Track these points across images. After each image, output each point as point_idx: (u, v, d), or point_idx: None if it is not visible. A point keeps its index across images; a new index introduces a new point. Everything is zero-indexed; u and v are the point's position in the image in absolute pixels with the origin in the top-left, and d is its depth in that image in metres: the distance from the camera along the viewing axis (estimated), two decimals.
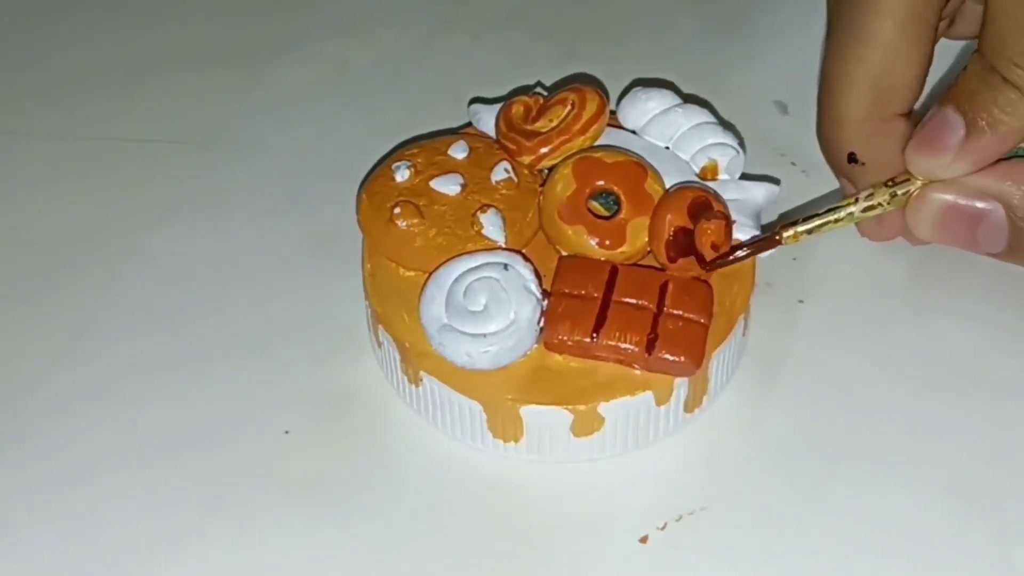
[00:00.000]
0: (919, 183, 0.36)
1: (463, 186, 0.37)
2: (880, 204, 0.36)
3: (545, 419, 0.35)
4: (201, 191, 0.44)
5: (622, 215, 0.36)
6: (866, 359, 0.38)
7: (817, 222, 0.36)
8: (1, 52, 0.50)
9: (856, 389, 0.37)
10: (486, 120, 0.40)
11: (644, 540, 0.34)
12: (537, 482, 0.35)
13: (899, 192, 0.36)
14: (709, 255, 0.36)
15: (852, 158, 0.37)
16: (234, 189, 0.44)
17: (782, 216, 0.41)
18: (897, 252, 0.41)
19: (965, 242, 0.36)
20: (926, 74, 0.37)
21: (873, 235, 0.39)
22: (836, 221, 0.36)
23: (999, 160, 0.35)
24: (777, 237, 0.36)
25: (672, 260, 0.36)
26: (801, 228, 0.36)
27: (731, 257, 0.36)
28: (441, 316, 0.35)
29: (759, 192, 0.38)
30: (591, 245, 0.36)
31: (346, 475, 0.36)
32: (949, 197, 0.36)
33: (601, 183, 0.37)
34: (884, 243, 0.40)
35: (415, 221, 0.37)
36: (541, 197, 0.37)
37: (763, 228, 0.38)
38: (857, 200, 0.36)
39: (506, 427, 0.35)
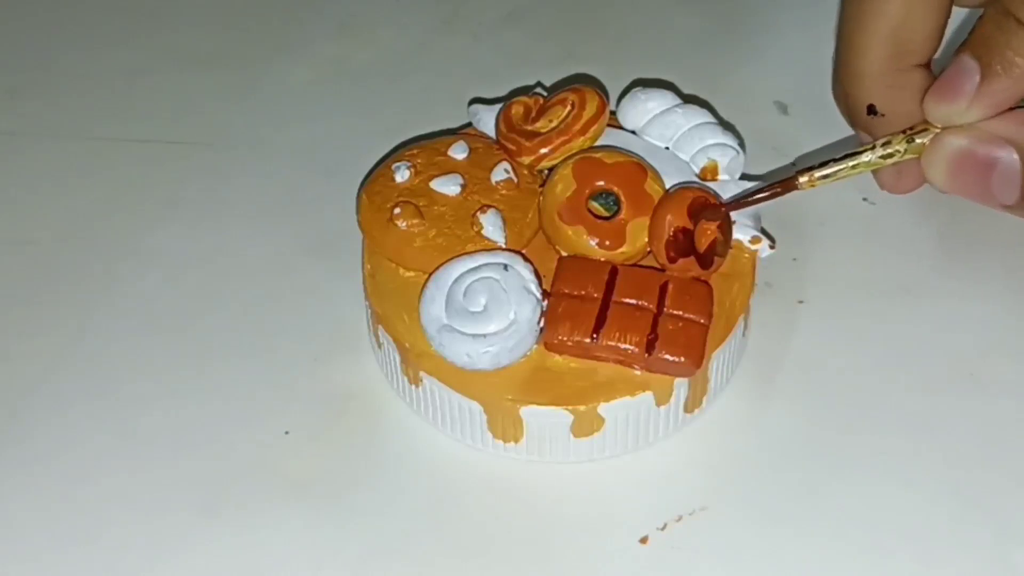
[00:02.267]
0: (937, 130, 0.36)
1: (463, 186, 0.37)
2: (897, 152, 0.36)
3: (545, 419, 0.35)
4: (201, 191, 0.44)
5: (622, 215, 0.36)
6: (866, 359, 0.38)
7: (834, 168, 0.36)
8: (1, 52, 0.50)
9: (856, 389, 0.37)
10: (486, 120, 0.40)
11: (644, 540, 0.34)
12: (537, 482, 0.35)
13: (917, 140, 0.36)
14: (709, 256, 0.36)
15: (872, 110, 0.37)
16: (234, 189, 0.44)
17: (782, 218, 0.41)
18: (897, 252, 0.41)
19: (979, 191, 0.36)
20: (945, 25, 0.37)
21: (892, 186, 0.39)
22: (853, 167, 0.36)
23: (1015, 107, 0.35)
24: (794, 181, 0.36)
25: (672, 260, 0.36)
26: (818, 173, 0.36)
27: (750, 199, 0.36)
28: (441, 316, 0.35)
29: (757, 187, 0.38)
30: (591, 245, 0.36)
31: (346, 475, 0.36)
32: (963, 142, 0.36)
33: (601, 183, 0.37)
34: (883, 247, 0.40)
35: (415, 221, 0.37)
36: (541, 198, 0.37)
37: (763, 231, 0.38)
38: (875, 147, 0.36)
39: (506, 427, 0.35)
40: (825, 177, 0.36)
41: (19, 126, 0.47)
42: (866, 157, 0.36)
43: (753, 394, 0.37)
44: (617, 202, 0.37)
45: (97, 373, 0.38)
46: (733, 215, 0.37)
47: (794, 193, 0.36)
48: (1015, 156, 0.35)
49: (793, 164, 0.43)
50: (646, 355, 0.34)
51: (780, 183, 0.36)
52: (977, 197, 0.36)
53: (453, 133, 0.41)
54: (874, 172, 0.37)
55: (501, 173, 0.38)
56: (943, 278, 0.40)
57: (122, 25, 0.51)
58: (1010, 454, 0.36)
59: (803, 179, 0.36)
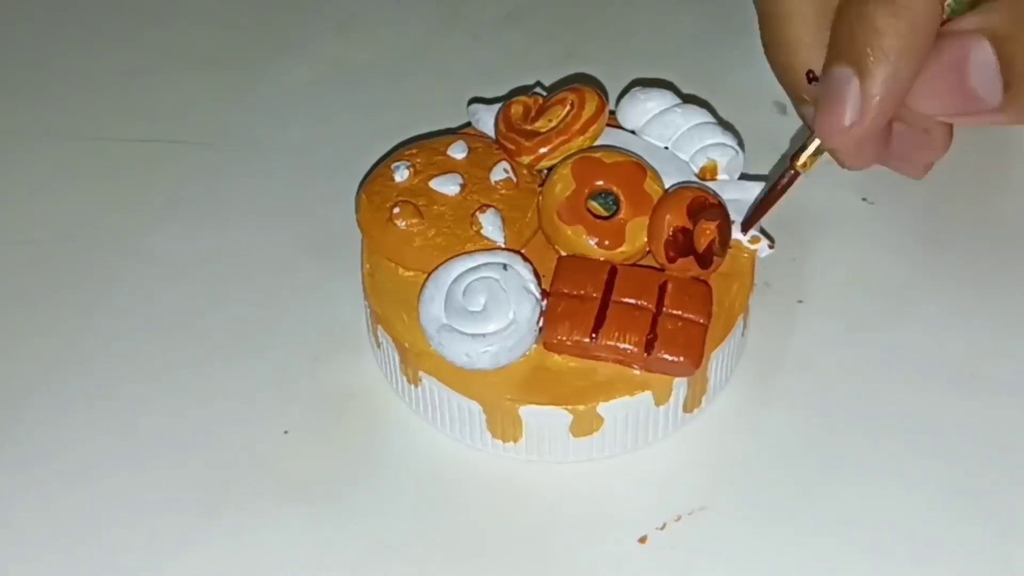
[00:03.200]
0: None
1: (462, 186, 0.37)
2: None
3: (544, 419, 0.35)
4: (201, 191, 0.44)
5: (621, 215, 0.36)
6: (866, 359, 0.38)
7: (819, 141, 0.34)
8: (1, 52, 0.50)
9: (855, 389, 0.37)
10: (485, 120, 0.40)
11: (643, 540, 0.34)
12: (536, 482, 0.35)
13: None
14: (708, 256, 0.36)
15: (811, 76, 0.35)
16: (234, 189, 0.44)
17: (782, 218, 0.41)
18: (897, 252, 0.41)
19: (960, 96, 0.33)
20: None
21: (853, 160, 0.36)
22: None
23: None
24: (792, 171, 0.35)
25: (671, 260, 0.36)
26: (810, 149, 0.35)
27: (761, 211, 0.35)
28: (440, 316, 0.35)
29: (758, 192, 0.38)
30: (590, 245, 0.36)
31: (345, 475, 0.36)
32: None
33: (600, 183, 0.37)
34: (882, 247, 0.39)
35: (414, 221, 0.37)
36: (540, 197, 0.37)
37: (763, 231, 0.38)
38: None
39: (505, 427, 0.35)
40: (816, 153, 0.35)
41: (19, 126, 0.47)
42: None
43: (752, 394, 0.37)
44: (616, 202, 0.37)
45: (97, 373, 0.38)
46: (732, 215, 0.37)
47: (797, 187, 0.35)
48: (987, 46, 0.32)
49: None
50: (645, 355, 0.34)
51: (781, 180, 0.35)
52: (961, 107, 0.33)
53: (453, 133, 0.41)
54: (830, 149, 0.35)
55: (500, 173, 0.38)
56: (942, 278, 0.40)
57: (122, 25, 0.51)
58: (1010, 454, 0.36)
59: (799, 163, 0.34)
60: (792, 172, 0.35)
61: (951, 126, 0.36)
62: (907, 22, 0.31)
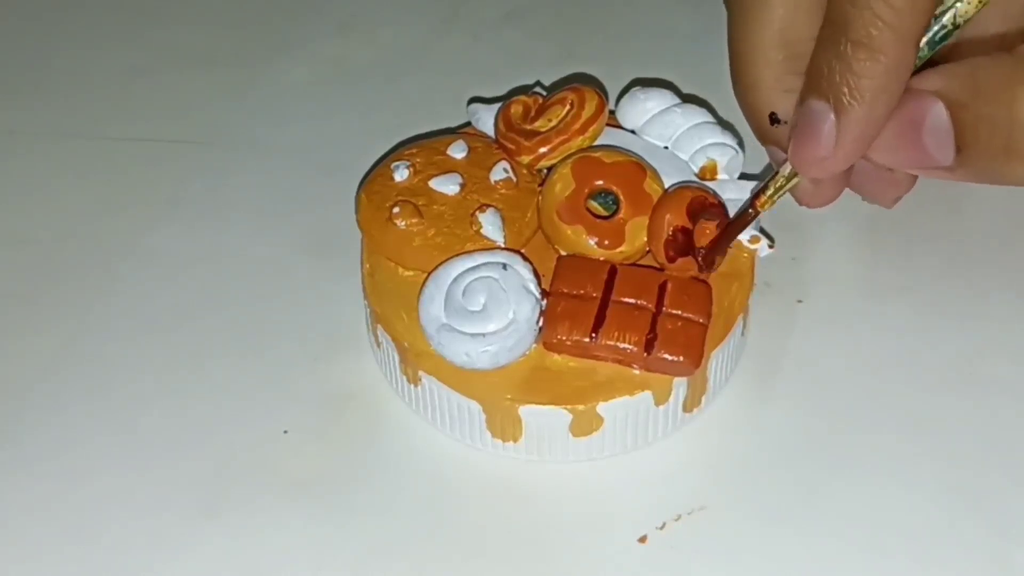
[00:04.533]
0: None
1: (462, 186, 0.37)
2: None
3: (544, 419, 0.35)
4: (201, 191, 0.44)
5: (621, 215, 0.36)
6: (865, 359, 0.38)
7: (779, 182, 0.35)
8: (1, 52, 0.50)
9: (855, 389, 0.37)
10: (485, 120, 0.40)
11: (643, 540, 0.34)
12: (536, 482, 0.35)
13: None
14: (708, 256, 0.36)
15: (774, 119, 0.36)
16: (233, 188, 0.44)
17: (782, 218, 0.41)
18: (897, 252, 0.41)
19: (914, 154, 0.34)
20: None
21: (811, 199, 0.36)
22: (788, 178, 0.35)
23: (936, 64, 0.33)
24: (753, 211, 0.35)
25: (671, 260, 0.36)
26: (770, 192, 0.35)
27: (721, 244, 0.36)
28: (440, 316, 0.35)
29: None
30: (590, 245, 0.36)
31: (345, 475, 0.36)
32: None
33: (600, 183, 0.37)
34: (882, 246, 0.39)
35: (414, 221, 0.37)
36: (540, 197, 0.37)
37: (763, 231, 0.38)
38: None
39: (505, 427, 0.35)
40: (775, 195, 0.35)
41: (19, 126, 0.47)
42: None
43: (752, 394, 0.37)
44: (616, 201, 0.37)
45: (97, 373, 0.38)
46: (732, 215, 0.37)
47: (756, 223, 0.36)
48: (943, 110, 0.33)
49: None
50: (645, 354, 0.34)
51: (739, 218, 0.36)
52: (914, 162, 0.34)
53: (452, 132, 0.41)
54: (791, 190, 0.36)
55: (500, 172, 0.38)
56: (943, 278, 0.40)
57: (122, 25, 0.51)
58: (1010, 454, 0.36)
59: (759, 202, 0.35)
60: (752, 211, 0.35)
61: None
62: (883, 66, 0.31)
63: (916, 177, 0.37)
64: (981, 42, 0.35)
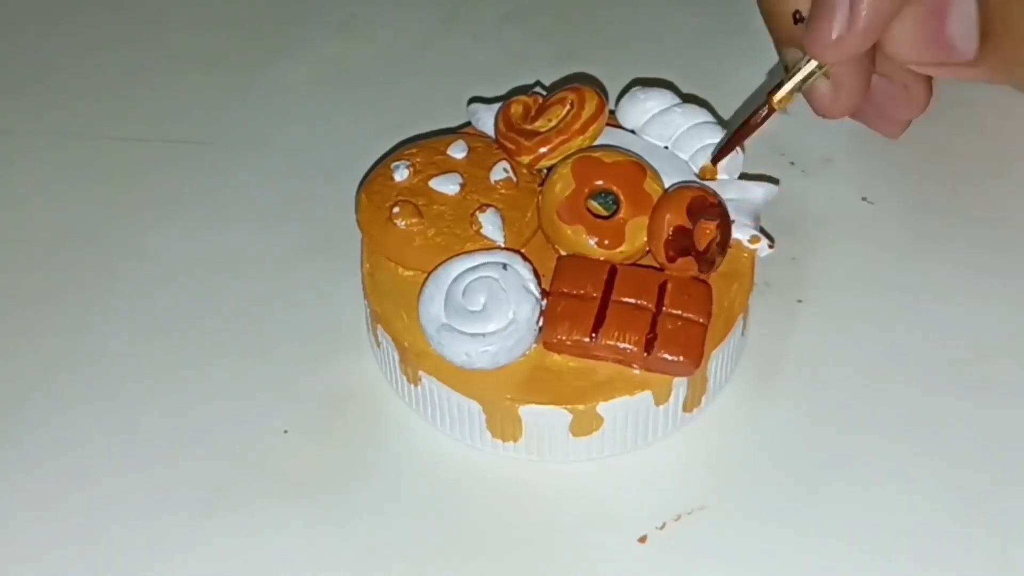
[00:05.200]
0: None
1: (462, 186, 0.37)
2: None
3: (544, 419, 0.35)
4: (201, 190, 0.44)
5: (621, 215, 0.36)
6: (865, 359, 0.38)
7: (799, 78, 0.35)
8: (1, 51, 0.50)
9: (855, 389, 0.37)
10: (485, 120, 0.40)
11: (643, 540, 0.34)
12: (536, 482, 0.35)
13: None
14: (708, 256, 0.36)
15: (797, 17, 0.36)
16: (233, 188, 0.44)
17: (782, 217, 0.41)
18: (896, 252, 0.41)
19: (937, 45, 0.34)
20: None
21: (829, 106, 0.36)
22: (811, 73, 0.35)
23: None
24: (768, 108, 0.35)
25: (671, 260, 0.36)
26: (788, 87, 0.35)
27: (733, 142, 0.35)
28: (440, 316, 0.35)
29: (758, 192, 0.38)
30: (590, 245, 0.36)
31: (345, 475, 0.36)
32: None
33: (600, 183, 0.37)
34: (882, 246, 0.39)
35: (414, 221, 0.37)
36: (540, 197, 0.37)
37: (763, 230, 0.38)
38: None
39: (505, 427, 0.35)
40: (794, 90, 0.35)
41: (19, 126, 0.47)
42: (812, 64, 0.35)
43: (752, 393, 0.37)
44: (616, 201, 0.37)
45: (97, 372, 0.38)
46: (733, 215, 0.37)
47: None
48: None
49: (792, 163, 0.43)
50: (645, 354, 0.34)
51: (755, 115, 0.35)
52: (933, 54, 0.34)
53: (452, 132, 0.41)
54: (808, 95, 0.35)
55: (500, 172, 0.38)
56: (942, 278, 0.40)
57: (122, 25, 0.51)
58: (1010, 454, 0.36)
59: (776, 98, 0.35)
60: (767, 109, 0.35)
61: (930, 83, 0.36)
62: None
63: (929, 96, 0.37)
64: None
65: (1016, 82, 0.34)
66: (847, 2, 0.32)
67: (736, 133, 0.35)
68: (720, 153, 0.35)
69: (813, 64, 0.35)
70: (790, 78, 0.34)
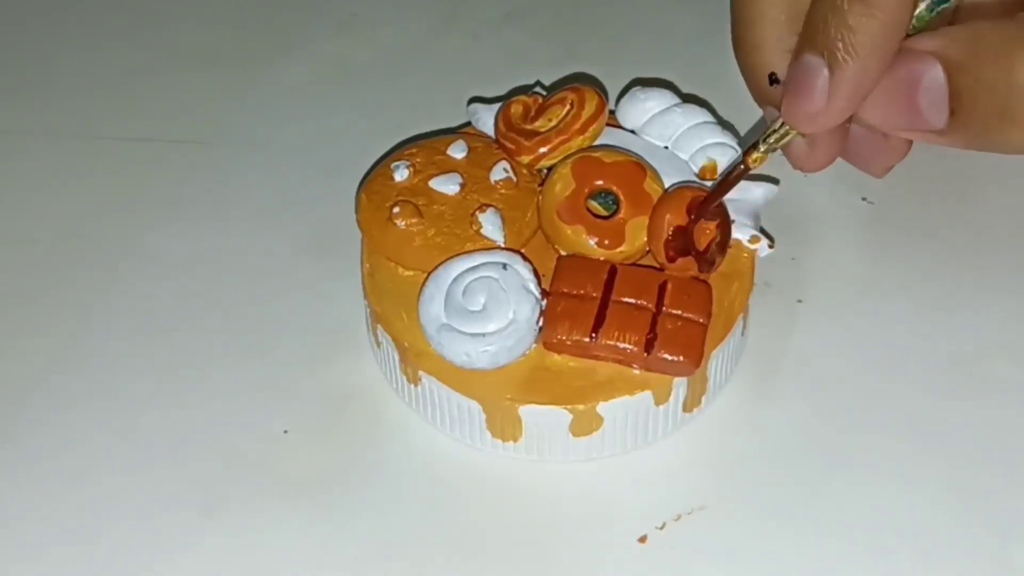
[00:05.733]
0: None
1: (462, 186, 0.37)
2: None
3: (544, 419, 0.35)
4: (201, 190, 0.44)
5: (621, 215, 0.36)
6: (865, 359, 0.38)
7: (772, 140, 0.35)
8: (1, 51, 0.50)
9: (855, 389, 0.37)
10: (485, 120, 0.40)
11: (643, 540, 0.34)
12: (536, 482, 0.35)
13: None
14: (708, 256, 0.36)
15: (773, 79, 0.36)
16: (234, 188, 0.44)
17: (781, 217, 0.41)
18: (896, 252, 0.41)
19: (906, 114, 0.34)
20: None
21: (805, 162, 0.37)
22: (783, 135, 0.35)
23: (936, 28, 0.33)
24: (742, 166, 0.35)
25: (671, 260, 0.36)
26: (763, 148, 0.35)
27: (714, 197, 0.35)
28: (440, 316, 0.35)
29: (758, 192, 0.38)
30: (590, 245, 0.36)
31: (345, 475, 0.36)
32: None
33: (600, 183, 0.37)
34: (882, 246, 0.39)
35: (414, 221, 0.37)
36: (540, 197, 0.37)
37: (763, 230, 0.38)
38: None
39: (505, 427, 0.35)
40: (768, 151, 0.35)
41: (19, 125, 0.47)
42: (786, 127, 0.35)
43: (752, 393, 0.37)
44: (616, 201, 0.37)
45: (97, 373, 0.38)
46: (732, 215, 0.37)
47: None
48: (940, 71, 0.33)
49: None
50: (645, 354, 0.34)
51: (730, 174, 0.35)
52: (907, 123, 0.34)
53: (452, 132, 0.41)
54: (785, 151, 0.35)
55: (500, 172, 0.38)
56: (943, 278, 0.40)
57: (122, 25, 0.51)
58: (1010, 454, 0.36)
59: (752, 158, 0.35)
60: (743, 167, 0.35)
61: None
62: (879, 22, 0.32)
63: (909, 145, 0.37)
64: (982, 8, 0.35)
65: (983, 151, 0.34)
66: (826, 77, 0.33)
67: (714, 192, 0.36)
68: (700, 210, 0.36)
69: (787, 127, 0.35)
70: (765, 139, 0.35)
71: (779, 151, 0.35)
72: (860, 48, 0.32)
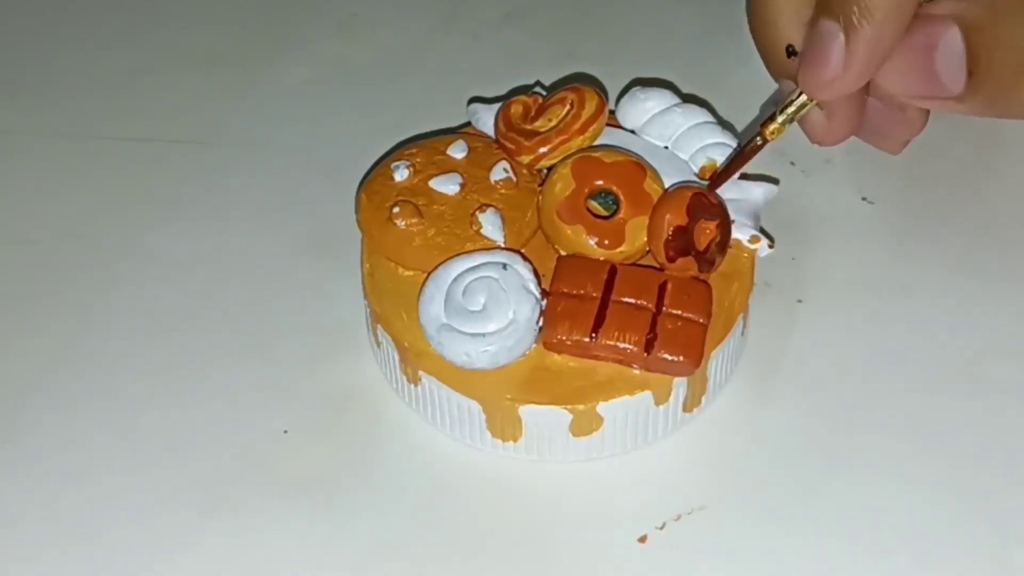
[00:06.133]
0: None
1: (462, 186, 0.37)
2: None
3: (544, 419, 0.35)
4: (200, 190, 0.44)
5: (621, 215, 0.36)
6: (865, 359, 0.38)
7: (791, 110, 0.35)
8: (1, 52, 0.50)
9: (855, 389, 0.37)
10: (485, 120, 0.40)
11: (643, 540, 0.34)
12: (536, 482, 0.35)
13: None
14: (708, 256, 0.36)
15: (790, 51, 0.36)
16: (233, 188, 0.44)
17: (782, 217, 0.41)
18: (896, 252, 0.41)
19: (924, 79, 0.34)
20: None
21: (824, 136, 0.37)
22: (802, 106, 0.35)
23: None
24: (759, 140, 0.35)
25: (671, 260, 0.36)
26: (780, 120, 0.35)
27: (730, 171, 0.35)
28: (440, 316, 0.35)
29: (758, 192, 0.38)
30: (590, 245, 0.36)
31: (345, 475, 0.36)
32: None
33: (600, 183, 0.37)
34: (882, 246, 0.39)
35: (414, 221, 0.37)
36: (540, 197, 0.37)
37: (763, 230, 0.38)
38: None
39: (505, 427, 0.35)
40: (787, 122, 0.35)
41: (19, 126, 0.47)
42: (804, 97, 0.35)
43: (752, 393, 0.37)
44: (616, 201, 0.37)
45: (97, 373, 0.38)
46: (733, 215, 0.37)
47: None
48: (958, 34, 0.33)
49: (792, 163, 0.43)
50: (645, 354, 0.34)
51: (748, 147, 0.35)
52: (922, 88, 0.34)
53: (452, 132, 0.41)
54: (803, 124, 0.35)
55: (500, 172, 0.38)
56: (942, 278, 0.40)
57: (122, 25, 0.51)
58: (1010, 454, 0.36)
59: (769, 130, 0.35)
60: (761, 139, 0.35)
61: None
62: None
63: (926, 117, 0.37)
64: None
65: (1001, 116, 0.34)
66: (841, 42, 0.33)
67: (731, 163, 0.36)
68: (715, 182, 0.36)
69: (805, 96, 0.35)
70: (783, 110, 0.35)
71: (796, 123, 0.35)
72: (876, 11, 0.32)
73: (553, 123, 0.38)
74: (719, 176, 0.36)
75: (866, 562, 0.34)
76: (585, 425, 0.35)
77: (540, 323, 0.35)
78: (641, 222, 0.36)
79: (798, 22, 0.36)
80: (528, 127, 0.38)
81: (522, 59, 0.48)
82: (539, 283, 0.35)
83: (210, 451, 0.36)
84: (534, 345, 0.35)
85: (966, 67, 0.33)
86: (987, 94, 0.33)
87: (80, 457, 0.36)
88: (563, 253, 0.37)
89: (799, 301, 0.40)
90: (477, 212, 0.37)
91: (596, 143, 0.38)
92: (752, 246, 0.37)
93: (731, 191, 0.38)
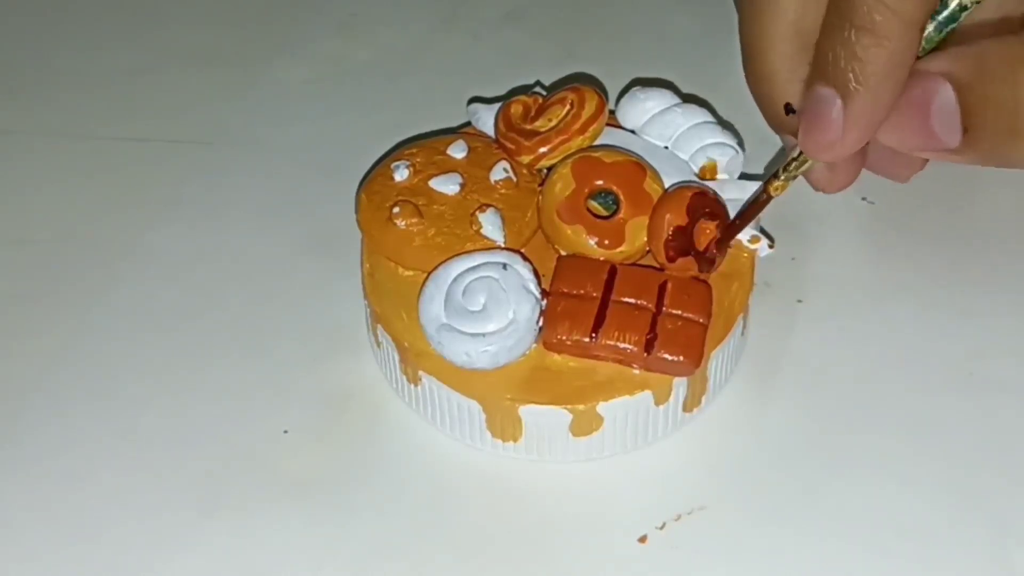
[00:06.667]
0: None
1: (462, 186, 0.37)
2: None
3: (544, 419, 0.35)
4: (200, 190, 0.44)
5: (621, 215, 0.36)
6: (865, 359, 0.38)
7: (793, 167, 0.35)
8: (1, 51, 0.50)
9: (855, 389, 0.37)
10: (485, 119, 0.40)
11: (643, 540, 0.34)
12: (536, 482, 0.35)
13: None
14: (708, 256, 0.36)
15: (789, 109, 0.36)
16: (234, 188, 0.44)
17: (781, 217, 0.41)
18: (896, 252, 0.41)
19: (920, 134, 0.34)
20: None
21: (827, 184, 0.37)
22: (803, 163, 0.35)
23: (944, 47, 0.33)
24: (765, 196, 0.35)
25: (671, 260, 0.36)
26: (783, 177, 0.35)
27: (735, 227, 0.35)
28: (440, 315, 0.35)
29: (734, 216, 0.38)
30: (590, 245, 0.36)
31: (345, 475, 0.36)
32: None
33: (600, 183, 0.37)
34: (882, 246, 0.39)
35: (414, 220, 0.37)
36: (540, 197, 0.37)
37: (763, 230, 0.38)
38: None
39: (505, 427, 0.35)
40: (790, 179, 0.35)
41: (19, 126, 0.47)
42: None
43: (752, 393, 0.37)
44: (616, 201, 0.37)
45: (97, 373, 0.38)
46: (732, 215, 0.37)
47: (793, 193, 0.35)
48: (950, 91, 0.33)
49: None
50: (645, 354, 0.34)
51: (753, 205, 0.36)
52: (921, 144, 0.34)
53: (452, 132, 0.41)
54: (806, 175, 0.36)
55: (500, 172, 0.38)
56: (943, 278, 0.40)
57: (122, 25, 0.51)
58: (1010, 454, 0.36)
59: (773, 187, 0.35)
60: (765, 197, 0.35)
61: None
62: (887, 52, 0.32)
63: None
64: (988, 26, 0.35)
65: (1000, 167, 0.35)
66: (839, 107, 0.33)
67: (738, 220, 0.36)
68: (723, 238, 0.36)
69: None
70: (785, 168, 0.35)
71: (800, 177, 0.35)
72: (871, 78, 0.32)
73: (553, 123, 0.38)
74: (726, 231, 0.36)
75: (866, 562, 0.34)
76: (585, 425, 0.35)
77: (540, 323, 0.35)
78: (641, 222, 0.36)
79: (793, 79, 0.36)
80: (528, 127, 0.38)
81: (522, 59, 0.48)
82: (539, 283, 0.35)
83: (210, 451, 0.36)
84: (534, 345, 0.35)
85: (961, 123, 0.33)
86: (982, 149, 0.34)
87: (80, 457, 0.36)
88: (563, 253, 0.37)
89: (799, 301, 0.40)
90: (477, 212, 0.37)
91: (596, 143, 0.38)
92: (752, 246, 0.37)
93: (731, 191, 0.38)
